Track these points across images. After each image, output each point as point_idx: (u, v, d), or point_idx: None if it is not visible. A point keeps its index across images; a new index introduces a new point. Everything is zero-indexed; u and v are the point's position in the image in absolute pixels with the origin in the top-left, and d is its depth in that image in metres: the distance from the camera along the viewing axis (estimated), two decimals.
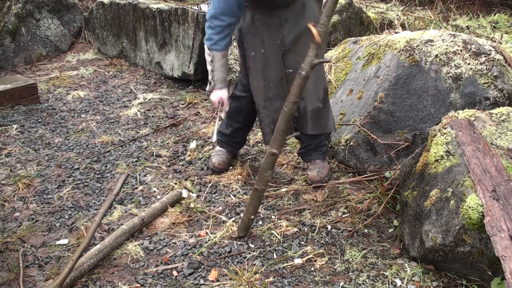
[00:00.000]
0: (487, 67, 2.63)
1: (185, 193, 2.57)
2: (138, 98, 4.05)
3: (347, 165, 2.85)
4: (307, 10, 2.38)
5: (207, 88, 2.50)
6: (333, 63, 3.35)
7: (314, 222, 2.35)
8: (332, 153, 2.97)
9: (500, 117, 2.18)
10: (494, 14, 5.39)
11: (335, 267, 2.06)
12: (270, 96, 2.52)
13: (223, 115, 2.76)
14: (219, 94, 2.46)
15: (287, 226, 2.31)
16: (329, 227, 2.33)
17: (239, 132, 2.81)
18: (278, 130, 2.04)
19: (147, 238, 2.25)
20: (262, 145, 3.16)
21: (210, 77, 2.43)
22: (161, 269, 2.05)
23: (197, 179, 2.77)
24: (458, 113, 2.20)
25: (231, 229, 2.28)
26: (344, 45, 3.43)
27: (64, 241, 2.23)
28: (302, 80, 1.93)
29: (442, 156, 2.03)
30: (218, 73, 2.40)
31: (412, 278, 1.98)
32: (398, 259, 2.11)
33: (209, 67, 2.40)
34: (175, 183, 2.71)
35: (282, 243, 2.21)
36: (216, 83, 2.43)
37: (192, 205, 2.49)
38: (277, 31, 2.39)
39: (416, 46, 2.73)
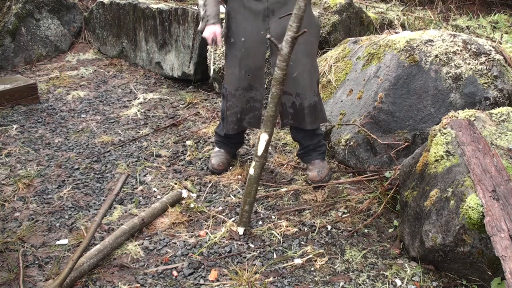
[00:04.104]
0: (487, 67, 2.63)
1: (185, 193, 2.57)
2: (138, 98, 4.05)
3: (347, 165, 2.85)
4: None
5: (199, 27, 2.45)
6: (333, 63, 3.35)
7: (314, 222, 2.35)
8: (332, 153, 2.97)
9: (500, 117, 2.18)
10: (494, 14, 5.39)
11: (335, 267, 2.06)
12: (245, 86, 2.49)
13: (214, 50, 2.63)
14: (212, 30, 2.39)
15: (287, 226, 2.31)
16: (329, 227, 2.33)
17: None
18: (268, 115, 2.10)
19: (147, 238, 2.25)
20: None
21: (202, 13, 2.39)
22: (161, 269, 2.05)
23: (197, 179, 2.77)
24: (458, 113, 2.20)
25: (231, 229, 2.28)
26: (344, 45, 3.43)
27: (64, 241, 2.23)
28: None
29: (442, 156, 2.03)
30: (210, 7, 2.36)
31: (412, 278, 1.98)
32: (398, 259, 2.11)
33: (200, 2, 2.38)
34: (175, 183, 2.71)
35: (282, 243, 2.21)
36: (209, 18, 2.38)
37: (192, 205, 2.49)
38: (263, 22, 2.36)
39: (416, 46, 2.73)
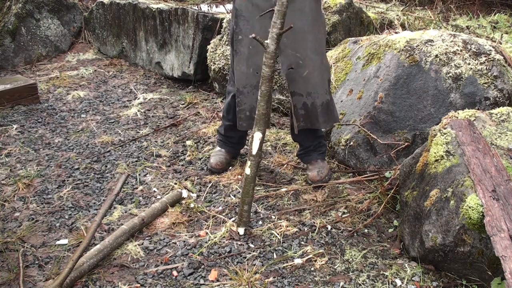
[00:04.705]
0: (487, 67, 2.63)
1: (185, 193, 2.57)
2: (138, 98, 4.05)
3: (347, 165, 2.85)
4: (305, 4, 2.34)
5: None
6: (333, 63, 3.35)
7: (314, 222, 2.35)
8: (332, 153, 2.97)
9: (500, 117, 2.18)
10: (494, 14, 5.39)
11: (335, 267, 2.06)
12: (254, 84, 2.45)
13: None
14: None
15: (287, 226, 2.31)
16: (329, 227, 2.33)
17: (231, 131, 2.77)
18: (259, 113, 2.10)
19: (147, 238, 2.25)
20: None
21: None
22: (161, 269, 2.05)
23: (197, 179, 2.77)
24: (458, 113, 2.20)
25: (231, 229, 2.28)
26: (344, 45, 3.43)
27: (64, 241, 2.23)
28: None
29: (442, 156, 2.03)
30: None
31: (412, 278, 1.98)
32: (398, 259, 2.11)
33: None
34: (175, 183, 2.71)
35: (282, 243, 2.21)
36: None
37: (192, 205, 2.49)
38: (270, 19, 2.35)
39: (416, 46, 2.73)
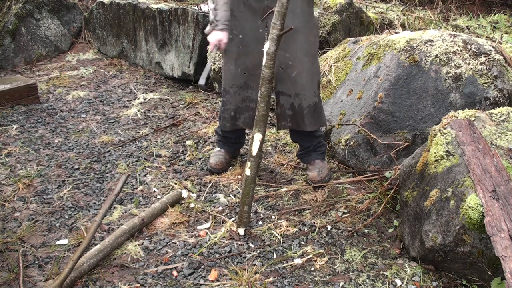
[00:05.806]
0: (487, 67, 2.63)
1: (185, 193, 2.57)
2: (138, 98, 4.05)
3: (347, 165, 2.85)
4: (297, 6, 2.34)
5: (206, 29, 2.38)
6: (333, 63, 3.35)
7: (314, 222, 2.35)
8: (332, 153, 2.97)
9: (500, 117, 2.18)
10: (494, 14, 5.39)
11: (335, 267, 2.06)
12: (241, 84, 2.46)
13: (211, 59, 2.58)
14: (219, 36, 2.32)
15: (287, 226, 2.31)
16: (329, 227, 2.33)
17: (228, 131, 2.79)
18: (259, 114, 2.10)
19: (147, 238, 2.25)
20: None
21: (211, 17, 2.32)
22: (161, 269, 2.05)
23: (197, 179, 2.77)
24: (458, 113, 2.20)
25: (231, 229, 2.28)
26: (344, 45, 3.43)
27: (64, 241, 2.23)
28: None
29: (442, 156, 2.03)
30: (221, 12, 2.28)
31: (412, 278, 1.98)
32: (398, 259, 2.11)
33: (211, 6, 2.31)
34: (175, 183, 2.71)
35: (282, 243, 2.21)
36: (218, 23, 2.30)
37: (192, 205, 2.49)
38: (262, 20, 2.35)
39: (416, 46, 2.73)
